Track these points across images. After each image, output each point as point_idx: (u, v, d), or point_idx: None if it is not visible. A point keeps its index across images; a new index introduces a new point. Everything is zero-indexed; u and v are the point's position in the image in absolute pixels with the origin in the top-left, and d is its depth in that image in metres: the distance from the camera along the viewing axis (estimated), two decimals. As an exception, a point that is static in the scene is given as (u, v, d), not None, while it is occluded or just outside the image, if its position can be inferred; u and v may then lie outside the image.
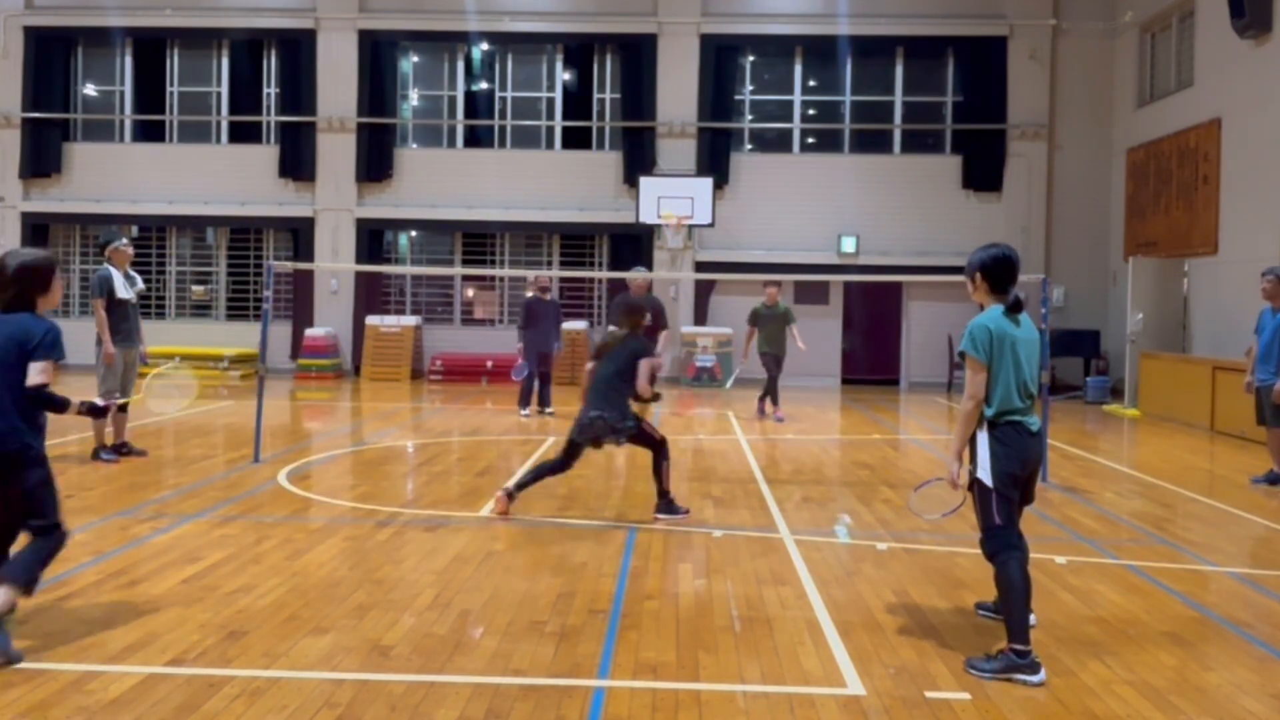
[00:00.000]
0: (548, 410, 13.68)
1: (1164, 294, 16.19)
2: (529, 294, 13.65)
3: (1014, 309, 4.78)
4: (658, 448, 7.51)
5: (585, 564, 6.20)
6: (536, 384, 13.59)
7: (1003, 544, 4.67)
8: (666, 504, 7.56)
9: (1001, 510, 4.68)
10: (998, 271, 4.80)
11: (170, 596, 5.36)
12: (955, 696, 4.25)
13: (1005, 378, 4.69)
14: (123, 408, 9.55)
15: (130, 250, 9.81)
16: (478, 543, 6.69)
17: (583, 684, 4.31)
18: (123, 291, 9.47)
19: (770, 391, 13.73)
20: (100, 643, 4.65)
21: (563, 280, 19.82)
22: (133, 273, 9.76)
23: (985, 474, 4.70)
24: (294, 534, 6.79)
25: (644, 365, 7.40)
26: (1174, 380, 14.60)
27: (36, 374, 4.51)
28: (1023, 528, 7.48)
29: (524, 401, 13.55)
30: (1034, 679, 4.39)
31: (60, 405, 4.67)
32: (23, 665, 4.34)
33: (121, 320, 9.46)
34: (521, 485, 7.55)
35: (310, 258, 19.38)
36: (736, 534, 7.10)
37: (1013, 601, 4.55)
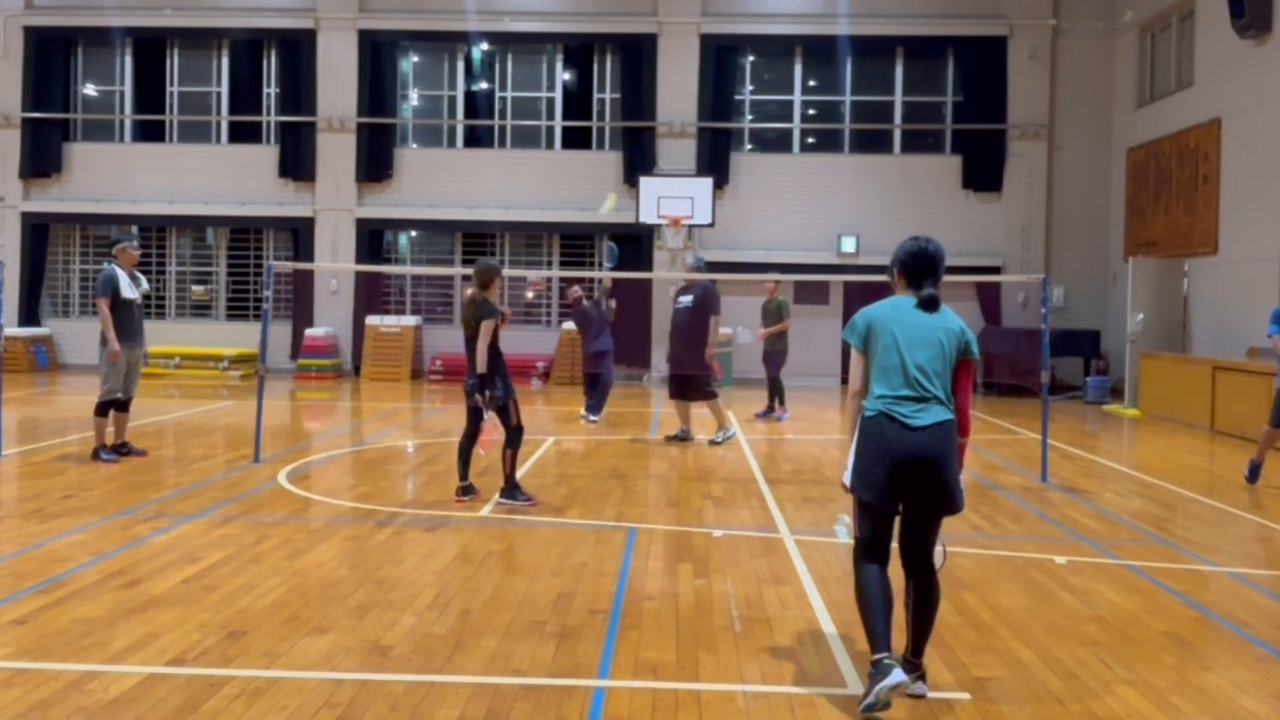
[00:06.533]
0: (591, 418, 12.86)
1: (1164, 294, 16.19)
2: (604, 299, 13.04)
3: (925, 305, 4.31)
4: (510, 431, 7.83)
5: (585, 564, 6.20)
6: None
7: (858, 557, 4.25)
8: (509, 491, 7.86)
9: (861, 519, 4.25)
10: (911, 266, 4.38)
11: (170, 596, 5.37)
12: (955, 696, 4.25)
13: (879, 362, 4.24)
14: (125, 406, 9.58)
15: (137, 252, 9.80)
16: (478, 543, 6.69)
17: (583, 684, 4.31)
18: (128, 291, 9.45)
19: (774, 391, 13.71)
20: (100, 643, 4.65)
21: (562, 280, 19.82)
22: (137, 273, 9.74)
23: (846, 474, 4.31)
24: (294, 534, 6.80)
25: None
26: (1174, 380, 14.60)
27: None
28: (1022, 528, 7.53)
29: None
30: (887, 682, 3.90)
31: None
32: (23, 665, 4.34)
33: (127, 320, 9.45)
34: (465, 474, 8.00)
35: (310, 258, 19.37)
36: (736, 534, 7.10)
37: (861, 610, 4.17)
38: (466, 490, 7.96)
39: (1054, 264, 18.98)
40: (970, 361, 4.30)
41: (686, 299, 11.29)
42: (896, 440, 4.10)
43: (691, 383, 11.18)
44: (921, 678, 4.26)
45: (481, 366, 7.65)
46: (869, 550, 4.21)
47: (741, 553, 6.56)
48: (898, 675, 3.91)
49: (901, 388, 4.15)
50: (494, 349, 7.72)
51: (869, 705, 3.93)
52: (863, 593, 4.16)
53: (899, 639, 4.25)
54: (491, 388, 7.71)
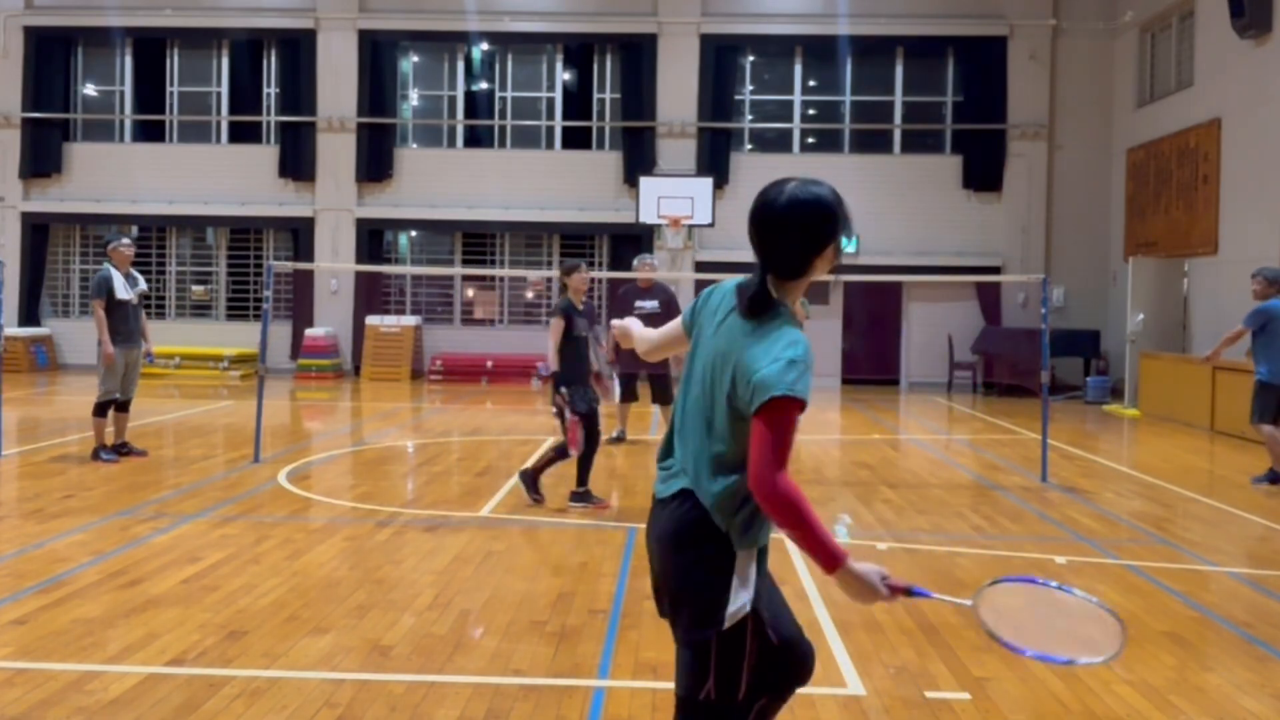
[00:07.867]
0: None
1: (1164, 294, 16.19)
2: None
3: (743, 309, 2.57)
4: (561, 445, 7.74)
5: (585, 564, 6.20)
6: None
7: None
8: (531, 480, 7.87)
9: None
10: (750, 228, 2.62)
11: (170, 596, 5.37)
12: (955, 696, 4.25)
13: (680, 391, 2.72)
14: (125, 406, 9.58)
15: (130, 251, 9.73)
16: (478, 543, 6.69)
17: (583, 684, 4.31)
18: (123, 292, 9.44)
19: None
20: (100, 643, 4.65)
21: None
22: (135, 273, 9.73)
23: None
24: (294, 534, 6.79)
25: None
26: (1174, 380, 14.59)
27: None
28: (1022, 528, 7.54)
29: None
30: None
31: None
32: (23, 665, 4.34)
33: (122, 321, 9.44)
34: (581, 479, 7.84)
35: (310, 258, 19.36)
36: (736, 534, 7.08)
37: None
38: (580, 497, 7.80)
39: (1054, 264, 18.97)
40: (764, 417, 2.49)
41: (650, 303, 11.19)
42: (651, 517, 2.72)
43: (668, 384, 11.24)
44: None
45: (551, 365, 7.66)
46: None
47: (741, 553, 6.55)
48: None
49: (671, 435, 2.71)
50: (568, 351, 7.60)
51: None
52: None
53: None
54: (560, 388, 7.57)
